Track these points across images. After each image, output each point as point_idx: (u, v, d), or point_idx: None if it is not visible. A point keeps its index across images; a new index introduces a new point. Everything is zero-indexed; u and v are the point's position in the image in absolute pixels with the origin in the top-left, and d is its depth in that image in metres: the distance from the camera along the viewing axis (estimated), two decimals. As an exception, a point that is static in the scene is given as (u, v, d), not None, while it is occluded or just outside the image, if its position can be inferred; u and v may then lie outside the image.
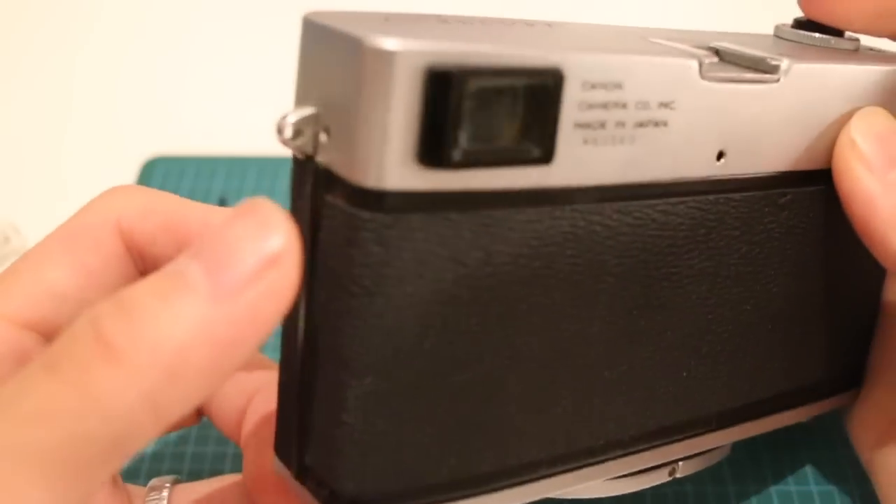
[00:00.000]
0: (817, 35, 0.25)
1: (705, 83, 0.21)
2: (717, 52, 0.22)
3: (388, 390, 0.19)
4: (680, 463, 0.25)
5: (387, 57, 0.16)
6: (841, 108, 0.23)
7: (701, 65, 0.21)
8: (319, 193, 0.18)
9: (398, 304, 0.18)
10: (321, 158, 0.18)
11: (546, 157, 0.19)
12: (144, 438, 0.16)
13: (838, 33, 0.25)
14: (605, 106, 0.19)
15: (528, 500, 0.22)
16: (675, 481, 0.25)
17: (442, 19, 0.19)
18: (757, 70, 0.22)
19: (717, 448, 0.26)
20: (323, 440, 0.19)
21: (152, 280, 0.17)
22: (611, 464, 0.23)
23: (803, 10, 0.25)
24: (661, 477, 0.25)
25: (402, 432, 0.19)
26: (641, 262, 0.21)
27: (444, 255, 0.18)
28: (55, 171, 0.46)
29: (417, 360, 0.19)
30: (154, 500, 0.24)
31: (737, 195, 0.22)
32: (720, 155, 0.22)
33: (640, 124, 0.20)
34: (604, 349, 0.22)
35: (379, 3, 0.20)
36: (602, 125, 0.19)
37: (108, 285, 0.23)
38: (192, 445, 0.31)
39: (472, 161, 0.18)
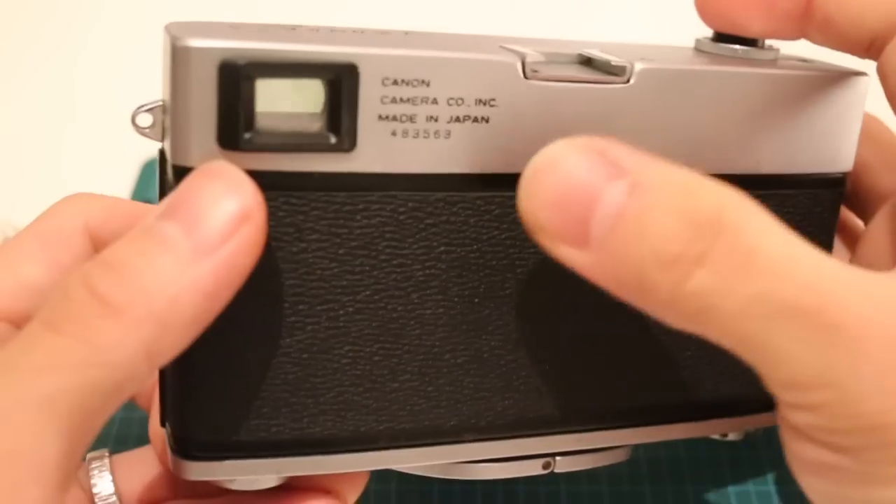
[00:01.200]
0: (736, 47, 0.25)
1: (531, 82, 0.22)
2: (586, 58, 0.23)
3: (213, 354, 0.21)
4: (557, 458, 0.25)
5: (186, 52, 0.19)
6: (712, 111, 0.23)
7: (524, 64, 0.21)
8: (165, 174, 0.21)
9: None
10: (164, 144, 0.21)
11: (347, 145, 0.21)
12: (140, 383, 0.19)
13: (753, 43, 0.25)
14: (411, 101, 0.21)
15: (366, 468, 0.24)
16: (676, 481, 0.26)
17: (292, 28, 0.22)
18: (603, 72, 0.22)
19: (608, 449, 0.26)
20: (168, 401, 0.23)
21: (132, 241, 0.19)
22: (468, 446, 0.24)
23: (703, 21, 0.25)
24: (533, 468, 0.25)
25: (231, 392, 0.22)
26: (477, 252, 0.23)
27: None
28: (55, 171, 0.46)
29: (241, 326, 0.21)
30: (97, 467, 0.26)
31: None
32: None
33: (456, 119, 0.21)
34: (444, 333, 0.23)
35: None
36: (411, 118, 0.21)
37: None
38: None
39: (268, 146, 0.20)
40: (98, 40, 0.57)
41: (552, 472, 0.26)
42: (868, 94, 0.25)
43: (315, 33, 0.22)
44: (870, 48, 0.24)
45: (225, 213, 0.19)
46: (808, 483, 0.21)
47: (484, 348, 0.24)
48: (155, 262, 0.18)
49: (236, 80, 0.20)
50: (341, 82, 0.20)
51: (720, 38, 0.25)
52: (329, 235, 0.21)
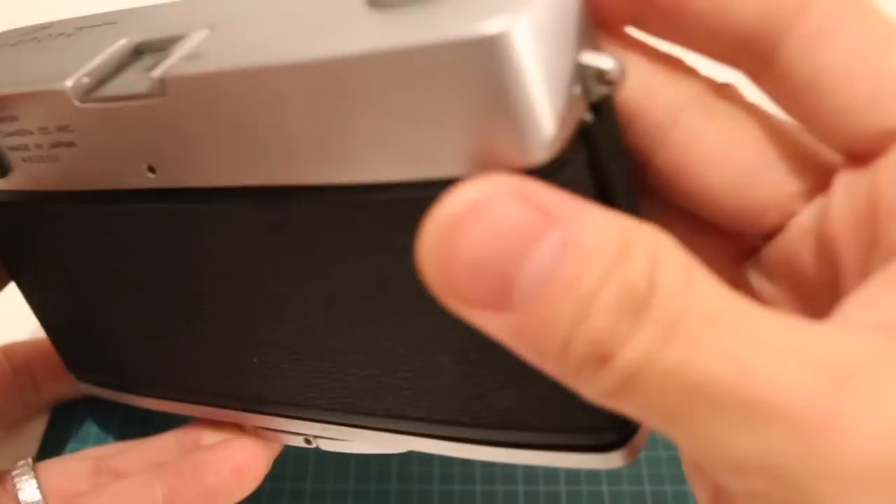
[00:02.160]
0: None
1: (87, 106, 0.21)
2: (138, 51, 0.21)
3: (46, 310, 0.28)
4: (317, 439, 0.27)
5: None
6: (272, 114, 0.18)
7: (75, 90, 0.21)
8: None
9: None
10: None
11: (2, 172, 0.23)
12: None
13: None
14: (17, 134, 0.22)
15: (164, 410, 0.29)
16: (676, 481, 0.26)
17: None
18: (136, 91, 0.20)
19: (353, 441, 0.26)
20: None
21: None
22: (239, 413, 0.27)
23: None
24: (297, 441, 0.27)
25: (67, 335, 0.29)
26: (141, 257, 0.24)
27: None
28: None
29: (58, 292, 0.27)
30: (20, 474, 0.28)
31: (197, 207, 0.21)
32: (151, 169, 0.21)
33: (54, 145, 0.22)
34: (149, 318, 0.26)
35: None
36: (26, 147, 0.23)
37: None
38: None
39: None
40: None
41: (317, 448, 0.27)
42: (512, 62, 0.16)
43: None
44: (739, 52, 0.18)
45: None
46: None
47: (192, 337, 0.25)
48: None
49: None
50: None
51: None
52: (24, 236, 0.26)
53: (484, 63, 0.15)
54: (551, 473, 0.31)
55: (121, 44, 0.21)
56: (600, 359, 0.15)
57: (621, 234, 0.15)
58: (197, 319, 0.25)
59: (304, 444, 0.27)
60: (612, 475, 0.31)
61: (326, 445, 0.26)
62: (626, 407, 0.16)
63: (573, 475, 0.31)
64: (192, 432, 0.29)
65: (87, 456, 0.30)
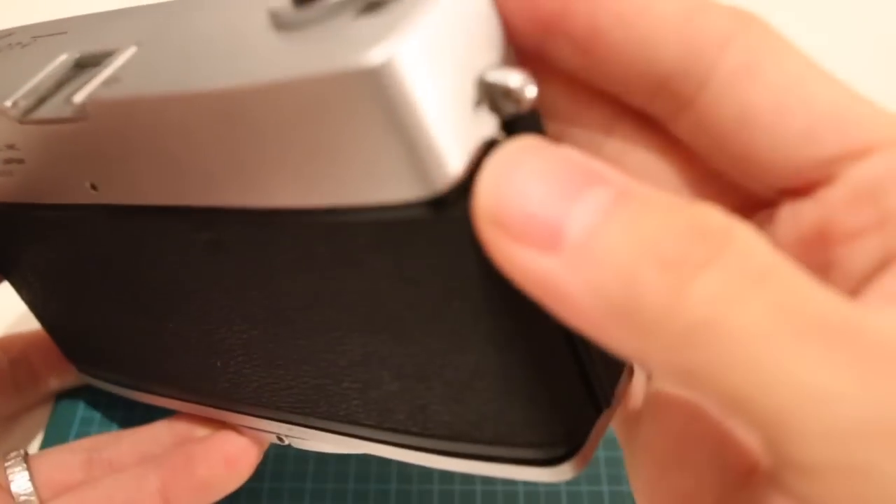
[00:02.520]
0: (280, 12, 0.17)
1: (26, 126, 0.21)
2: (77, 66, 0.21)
3: (35, 306, 0.29)
4: (288, 437, 0.27)
5: None
6: (187, 140, 0.18)
7: (16, 110, 0.21)
8: None
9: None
10: None
11: None
12: None
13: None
14: None
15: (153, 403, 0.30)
16: None
17: None
18: (63, 115, 0.20)
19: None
20: None
21: None
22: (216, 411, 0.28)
23: None
24: (272, 438, 0.28)
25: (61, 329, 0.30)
26: (102, 265, 0.25)
27: None
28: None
29: (42, 293, 0.28)
30: (12, 465, 0.29)
31: (135, 222, 0.22)
32: (93, 186, 0.22)
33: (7, 161, 0.23)
34: (131, 320, 0.26)
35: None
36: None
37: None
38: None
39: None
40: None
41: (289, 446, 0.27)
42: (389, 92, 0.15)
43: None
44: (657, 93, 0.17)
45: None
46: None
47: (168, 340, 0.26)
48: None
49: None
50: None
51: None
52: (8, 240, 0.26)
53: (368, 94, 0.15)
54: (551, 473, 0.31)
55: (61, 59, 0.21)
56: (675, 289, 0.14)
57: (684, 201, 0.15)
58: (164, 322, 0.25)
59: (278, 442, 0.27)
60: (614, 475, 0.31)
61: (298, 444, 0.27)
62: (701, 361, 0.14)
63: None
64: (184, 423, 0.29)
65: (79, 447, 0.30)
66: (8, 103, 0.21)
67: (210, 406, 0.28)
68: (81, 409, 0.34)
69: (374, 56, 0.14)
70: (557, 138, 0.19)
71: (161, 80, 0.18)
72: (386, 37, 0.15)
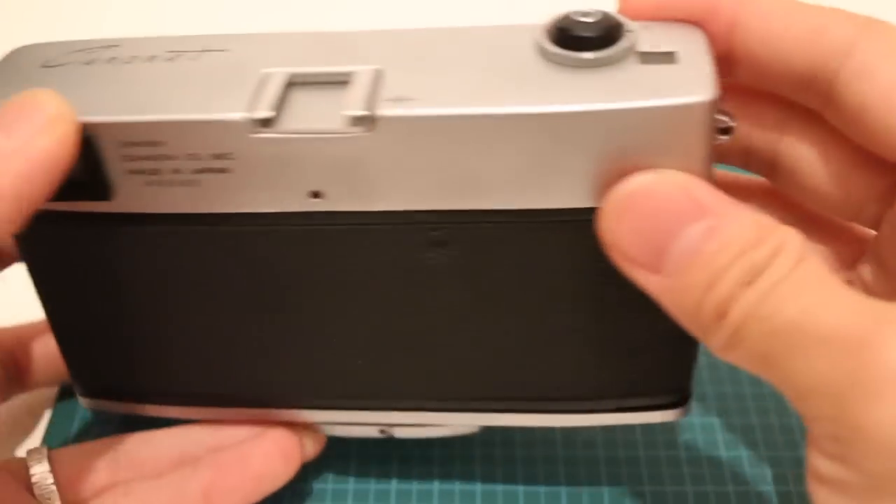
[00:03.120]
0: (582, 55, 0.22)
1: (261, 136, 0.22)
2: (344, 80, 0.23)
3: (77, 332, 0.28)
4: (394, 427, 0.29)
5: None
6: (480, 154, 0.22)
7: (250, 122, 0.22)
8: None
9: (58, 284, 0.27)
10: None
11: (104, 194, 0.24)
12: None
13: (605, 41, 0.22)
14: (151, 158, 0.23)
15: (188, 417, 0.30)
16: (676, 482, 0.29)
17: (90, 60, 0.24)
18: (339, 123, 0.22)
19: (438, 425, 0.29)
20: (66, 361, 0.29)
21: None
22: (314, 412, 0.29)
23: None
24: (372, 432, 0.29)
25: (86, 357, 0.29)
26: (258, 274, 0.25)
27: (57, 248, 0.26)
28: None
29: (95, 313, 0.27)
30: (36, 459, 0.28)
31: (355, 227, 0.24)
32: (316, 194, 0.23)
33: (199, 171, 0.23)
34: (243, 331, 0.27)
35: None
36: (156, 172, 0.23)
37: None
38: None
39: None
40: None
41: (391, 437, 0.29)
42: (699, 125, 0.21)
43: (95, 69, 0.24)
44: (810, 86, 0.23)
45: (38, 114, 0.22)
46: (819, 498, 0.21)
47: (289, 345, 0.27)
48: None
49: None
50: (84, 148, 0.23)
51: (557, 38, 0.22)
52: (116, 258, 0.26)
53: (692, 122, 0.21)
54: (551, 473, 0.31)
55: (276, 75, 0.23)
56: (720, 316, 0.20)
57: (759, 229, 0.20)
58: (299, 328, 0.27)
59: (378, 435, 0.29)
60: (613, 475, 0.31)
61: (402, 433, 0.29)
62: (737, 356, 0.20)
63: (573, 475, 0.31)
64: (225, 426, 0.30)
65: (103, 446, 0.29)
66: (241, 114, 0.22)
67: (301, 408, 0.29)
68: (81, 410, 0.33)
69: (707, 93, 0.21)
70: (744, 136, 0.25)
71: (457, 101, 0.21)
72: (705, 80, 0.21)
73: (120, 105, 0.23)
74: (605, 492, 0.31)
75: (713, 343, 0.21)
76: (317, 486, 0.31)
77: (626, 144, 0.21)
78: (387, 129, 0.22)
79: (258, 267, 0.25)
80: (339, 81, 0.23)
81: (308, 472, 0.31)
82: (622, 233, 0.21)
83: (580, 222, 0.23)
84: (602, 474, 0.31)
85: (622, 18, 0.22)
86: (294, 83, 0.23)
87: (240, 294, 0.26)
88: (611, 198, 0.21)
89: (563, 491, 0.31)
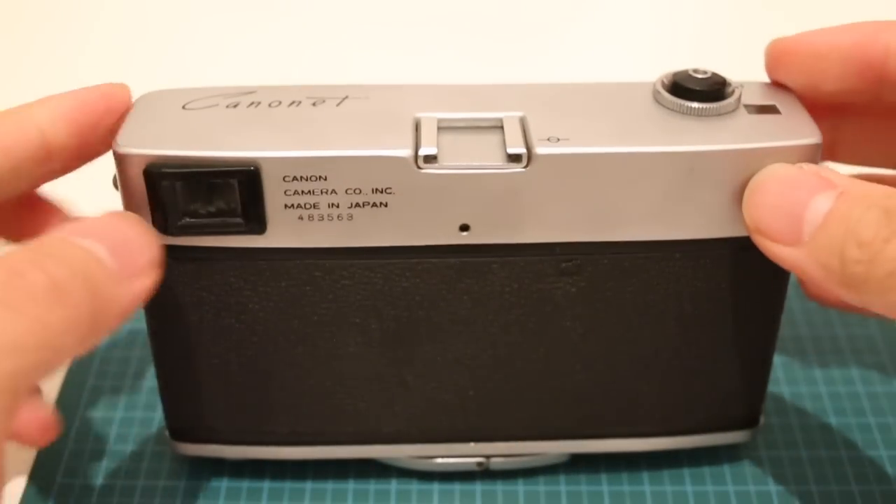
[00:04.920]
0: (693, 104, 0.25)
1: (424, 172, 0.24)
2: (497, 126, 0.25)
3: (183, 369, 0.28)
4: (491, 458, 0.30)
5: (120, 157, 0.24)
6: (624, 189, 0.25)
7: (416, 157, 0.24)
8: None
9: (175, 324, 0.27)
10: None
11: (258, 229, 0.25)
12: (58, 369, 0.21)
13: (714, 95, 0.25)
14: (311, 192, 0.24)
15: (296, 458, 0.30)
16: (676, 481, 0.29)
17: (234, 104, 0.25)
18: (497, 160, 0.24)
19: (536, 454, 0.31)
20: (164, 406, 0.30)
21: (74, 243, 0.21)
22: (405, 446, 0.30)
23: (770, 76, 0.27)
24: (469, 466, 0.31)
25: (198, 398, 0.29)
26: (396, 305, 0.27)
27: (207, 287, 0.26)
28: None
29: (195, 352, 0.28)
30: None
31: (497, 259, 0.26)
32: (464, 227, 0.25)
33: (356, 205, 0.24)
34: (366, 365, 0.28)
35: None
36: (314, 206, 0.24)
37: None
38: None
39: (191, 230, 0.25)
40: (98, 40, 0.57)
41: (487, 470, 0.31)
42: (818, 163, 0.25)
43: (255, 113, 0.25)
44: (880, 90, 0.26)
45: (146, 253, 0.23)
46: None
47: (407, 377, 0.28)
48: (96, 267, 0.21)
49: (153, 182, 0.24)
50: (244, 182, 0.24)
51: (676, 91, 0.26)
52: (256, 292, 0.26)
53: (801, 159, 0.24)
54: (550, 472, 0.31)
55: (428, 119, 0.25)
56: (870, 259, 0.21)
57: (886, 189, 0.22)
58: (422, 362, 0.28)
59: (474, 468, 0.31)
60: (613, 477, 0.31)
61: (498, 464, 0.31)
62: (873, 301, 0.22)
63: (573, 474, 0.31)
64: None
65: None
66: (408, 151, 0.24)
67: (414, 442, 0.30)
68: (82, 409, 0.33)
69: (817, 137, 0.25)
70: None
71: (605, 141, 0.24)
72: (811, 127, 0.25)
73: (281, 141, 0.24)
74: (605, 491, 0.31)
75: (854, 296, 0.22)
76: (317, 485, 0.31)
77: (748, 180, 0.24)
78: (541, 166, 0.24)
79: (396, 300, 0.27)
80: (488, 126, 0.25)
81: (308, 471, 0.31)
82: (761, 212, 0.24)
83: (697, 253, 0.26)
84: (602, 474, 0.31)
85: (726, 76, 0.26)
86: (444, 127, 0.25)
87: (371, 329, 0.27)
88: (750, 185, 0.24)
89: (562, 491, 0.31)
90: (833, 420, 0.33)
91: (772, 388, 0.31)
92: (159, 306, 0.26)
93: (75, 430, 0.33)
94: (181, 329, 0.27)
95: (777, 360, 0.30)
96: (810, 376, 0.35)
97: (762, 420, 0.31)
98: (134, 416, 0.33)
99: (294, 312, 0.27)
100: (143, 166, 0.24)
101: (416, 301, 0.27)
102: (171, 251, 0.25)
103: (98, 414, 0.33)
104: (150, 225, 0.24)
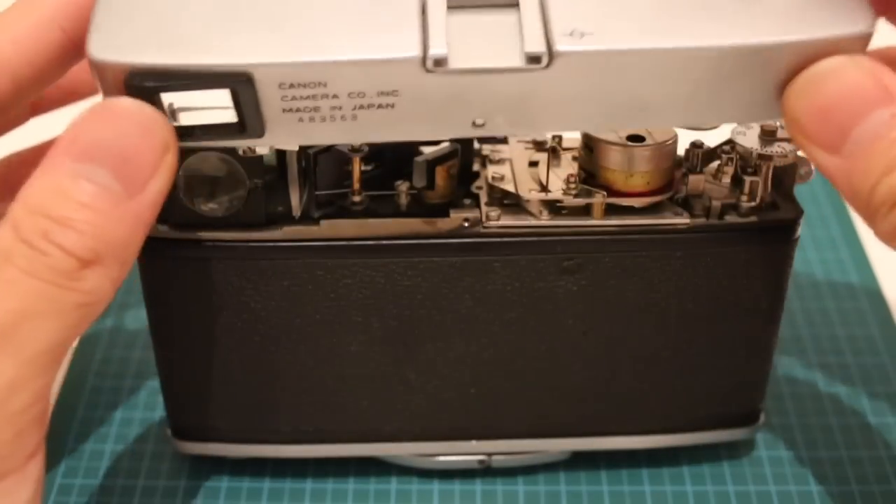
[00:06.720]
0: None
1: (434, 75, 0.21)
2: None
3: (186, 368, 0.28)
4: (493, 456, 0.31)
5: (96, 65, 0.21)
6: (653, 85, 0.22)
7: (425, 59, 0.21)
8: None
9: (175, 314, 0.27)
10: None
11: (257, 132, 0.22)
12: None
13: None
14: (311, 98, 0.22)
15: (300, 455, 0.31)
16: (676, 481, 0.29)
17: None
18: (514, 60, 0.22)
19: (538, 452, 0.31)
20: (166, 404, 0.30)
21: (66, 192, 0.20)
22: (403, 444, 0.30)
23: None
24: (471, 464, 0.31)
25: (201, 397, 0.29)
26: (398, 303, 0.27)
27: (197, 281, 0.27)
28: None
29: (198, 351, 0.28)
30: None
31: (498, 258, 0.26)
32: (478, 124, 0.23)
33: (361, 107, 0.22)
34: (368, 363, 0.28)
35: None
36: (315, 109, 0.22)
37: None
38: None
39: (187, 137, 0.22)
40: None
41: (489, 468, 0.31)
42: None
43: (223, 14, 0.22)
44: None
45: (151, 152, 0.21)
46: None
47: (408, 377, 0.28)
48: (99, 214, 0.20)
49: (142, 96, 0.21)
50: (239, 92, 0.22)
51: None
52: (258, 292, 0.27)
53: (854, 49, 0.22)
54: (550, 472, 0.31)
55: (436, 7, 0.22)
56: (893, 204, 0.20)
57: None
58: (424, 361, 0.28)
59: (476, 466, 0.31)
60: (613, 476, 0.31)
61: (500, 461, 0.31)
62: (884, 234, 0.21)
63: (573, 474, 0.31)
64: None
65: None
66: (416, 52, 0.21)
67: (409, 441, 0.30)
68: (82, 409, 0.34)
69: (866, 25, 0.22)
70: None
71: (632, 36, 0.22)
72: (861, 10, 0.22)
73: (274, 43, 0.22)
74: (605, 491, 0.31)
75: (880, 228, 0.21)
76: (317, 485, 0.31)
77: (791, 69, 0.22)
78: (563, 65, 0.22)
79: (398, 298, 0.27)
80: (504, 3, 0.22)
81: (308, 471, 0.31)
82: (807, 111, 0.21)
83: (696, 251, 0.26)
84: (602, 474, 0.31)
85: None
86: (455, 6, 0.22)
87: (373, 327, 0.27)
88: (801, 77, 0.22)
89: (562, 491, 0.31)
90: (833, 420, 0.33)
91: (772, 388, 0.31)
92: (162, 305, 0.26)
93: (75, 430, 0.33)
94: (183, 328, 0.27)
95: (777, 360, 0.30)
96: (810, 376, 0.35)
97: (762, 417, 0.31)
98: (134, 416, 0.33)
99: (296, 311, 0.27)
100: (123, 76, 0.21)
101: (418, 299, 0.27)
102: (172, 250, 0.25)
103: (98, 414, 0.33)
104: (153, 108, 0.21)
